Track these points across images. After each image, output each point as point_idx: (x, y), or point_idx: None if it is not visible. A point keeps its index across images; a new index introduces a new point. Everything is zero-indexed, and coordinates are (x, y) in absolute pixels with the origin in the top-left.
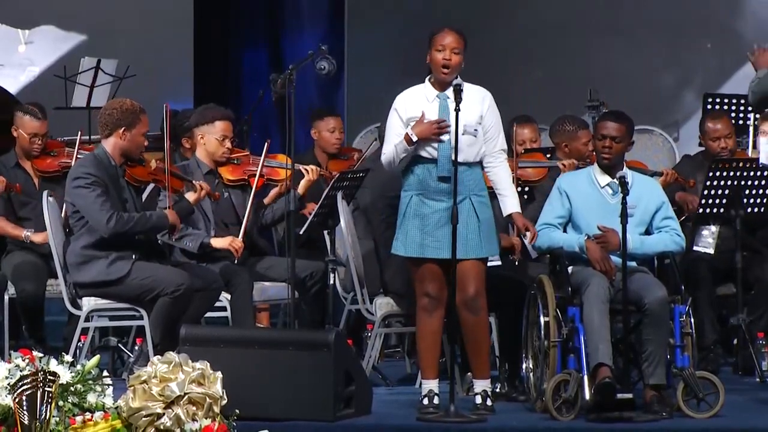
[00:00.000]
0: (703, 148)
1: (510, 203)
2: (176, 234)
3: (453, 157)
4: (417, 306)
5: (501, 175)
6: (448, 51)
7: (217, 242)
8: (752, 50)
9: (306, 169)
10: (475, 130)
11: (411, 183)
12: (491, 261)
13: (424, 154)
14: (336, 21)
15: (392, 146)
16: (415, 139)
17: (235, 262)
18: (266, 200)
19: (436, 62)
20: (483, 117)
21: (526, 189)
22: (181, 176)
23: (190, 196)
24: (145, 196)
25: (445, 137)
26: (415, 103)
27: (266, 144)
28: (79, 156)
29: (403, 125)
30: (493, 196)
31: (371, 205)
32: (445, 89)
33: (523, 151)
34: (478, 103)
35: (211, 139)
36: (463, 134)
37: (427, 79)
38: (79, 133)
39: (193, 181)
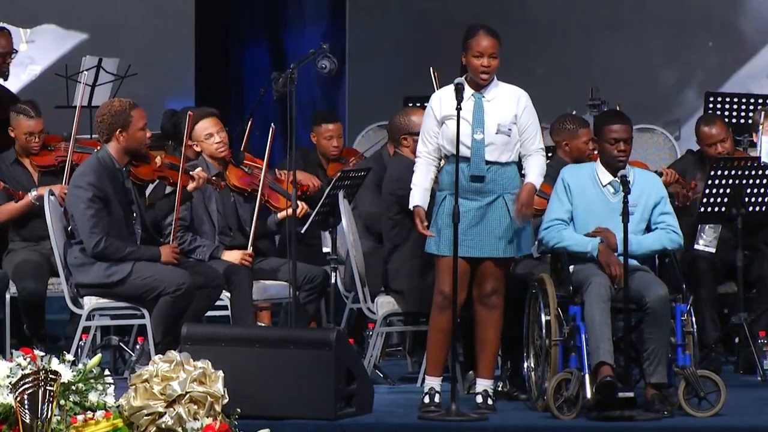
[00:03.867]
0: None
1: (531, 177)
2: (179, 214)
3: (456, 158)
4: (433, 303)
5: (532, 161)
6: (487, 58)
7: (229, 255)
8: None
9: (297, 204)
10: (509, 129)
11: (445, 183)
12: None
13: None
14: (337, 18)
15: (415, 180)
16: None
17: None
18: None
19: (474, 68)
20: (518, 117)
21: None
22: (185, 170)
23: (190, 185)
24: (149, 191)
25: (478, 135)
26: (450, 102)
27: (271, 130)
28: (76, 151)
29: (437, 123)
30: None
31: (373, 208)
32: (480, 89)
33: None
34: (512, 102)
35: (201, 144)
36: (497, 133)
37: (463, 77)
38: (73, 129)
39: (191, 172)
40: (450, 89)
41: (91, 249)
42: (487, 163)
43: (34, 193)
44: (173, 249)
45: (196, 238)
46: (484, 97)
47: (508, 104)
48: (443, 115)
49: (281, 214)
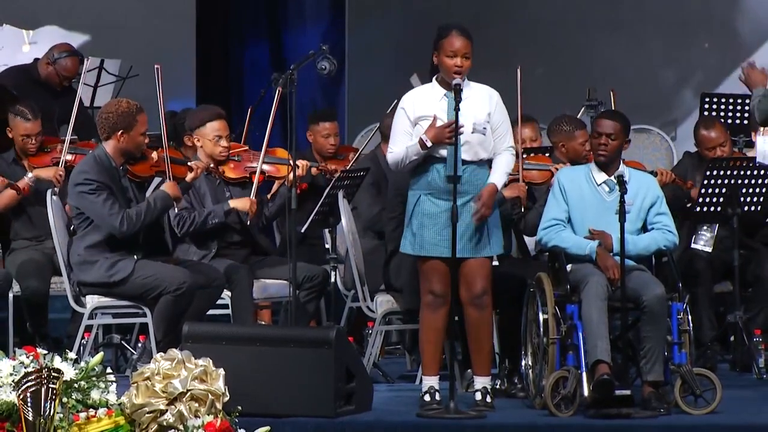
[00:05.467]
0: None
1: (494, 177)
2: (180, 204)
3: (454, 156)
4: (421, 303)
5: (499, 159)
6: (460, 58)
7: (237, 203)
8: (742, 70)
9: (297, 165)
10: (484, 128)
11: (419, 183)
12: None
13: (433, 153)
14: (337, 18)
15: (402, 147)
16: (429, 144)
17: (248, 223)
18: (270, 195)
19: (447, 67)
20: (491, 115)
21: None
22: (181, 161)
23: (188, 176)
24: (151, 189)
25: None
26: (424, 102)
27: (267, 135)
28: (70, 153)
29: (410, 124)
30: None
31: (372, 210)
32: (452, 88)
33: (523, 151)
34: (485, 101)
35: (205, 141)
36: (472, 132)
37: (434, 78)
38: (69, 132)
39: (188, 163)
40: (422, 90)
41: (118, 229)
42: (464, 162)
43: (30, 175)
44: (174, 183)
45: (203, 210)
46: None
47: (481, 103)
48: (417, 116)
49: (289, 180)
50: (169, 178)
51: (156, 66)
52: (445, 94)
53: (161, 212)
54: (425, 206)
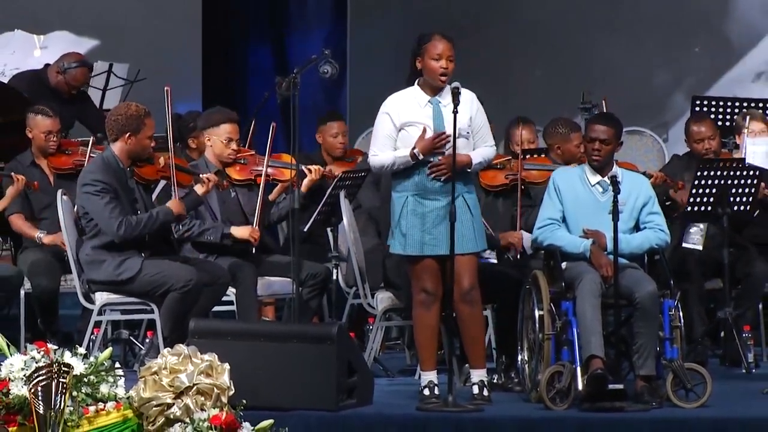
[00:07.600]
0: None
1: (473, 153)
2: (183, 224)
3: (453, 157)
4: (414, 301)
5: (480, 149)
6: (445, 60)
7: (237, 231)
8: None
9: (309, 169)
10: (468, 132)
11: (406, 185)
12: (488, 258)
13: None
14: (339, 21)
15: (384, 150)
16: (421, 157)
17: (254, 250)
18: (272, 196)
19: (433, 70)
20: (472, 118)
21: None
22: (188, 170)
23: (199, 189)
24: (156, 193)
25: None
26: (408, 108)
27: (272, 128)
28: (92, 155)
29: (394, 129)
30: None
31: (374, 202)
32: (436, 93)
33: (520, 152)
34: (467, 105)
35: (217, 141)
36: (458, 137)
37: (416, 83)
38: (98, 137)
39: (200, 174)
40: (404, 95)
41: (115, 232)
42: None
43: (41, 236)
44: (180, 202)
45: (204, 221)
46: (440, 102)
47: (463, 107)
48: (403, 122)
49: (304, 186)
50: (174, 192)
51: (166, 88)
52: (429, 100)
53: (161, 225)
54: (413, 207)
